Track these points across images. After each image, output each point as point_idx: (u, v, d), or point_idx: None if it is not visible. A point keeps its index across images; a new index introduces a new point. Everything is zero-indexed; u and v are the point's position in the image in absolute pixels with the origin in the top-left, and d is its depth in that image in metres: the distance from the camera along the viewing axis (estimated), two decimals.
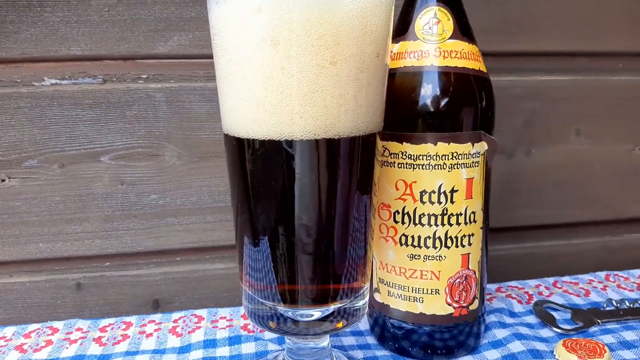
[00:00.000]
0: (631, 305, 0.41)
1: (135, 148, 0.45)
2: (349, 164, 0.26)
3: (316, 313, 0.29)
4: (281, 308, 0.29)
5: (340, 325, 0.30)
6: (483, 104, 0.33)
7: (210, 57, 0.44)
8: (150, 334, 0.39)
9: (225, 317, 0.41)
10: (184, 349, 0.36)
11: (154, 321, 0.41)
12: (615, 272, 0.49)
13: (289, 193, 0.26)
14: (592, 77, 0.51)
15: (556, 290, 0.45)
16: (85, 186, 0.45)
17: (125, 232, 0.46)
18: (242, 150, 0.27)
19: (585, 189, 0.53)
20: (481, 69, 0.33)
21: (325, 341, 0.32)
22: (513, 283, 0.47)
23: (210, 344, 0.37)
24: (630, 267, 0.51)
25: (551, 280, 0.47)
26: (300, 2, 0.23)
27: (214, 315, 0.41)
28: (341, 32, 0.24)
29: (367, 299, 0.31)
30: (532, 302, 0.43)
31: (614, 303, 0.41)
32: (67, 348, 0.37)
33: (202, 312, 0.42)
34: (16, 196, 0.44)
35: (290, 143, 0.25)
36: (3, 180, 0.43)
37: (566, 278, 0.48)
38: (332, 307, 0.29)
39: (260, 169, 0.26)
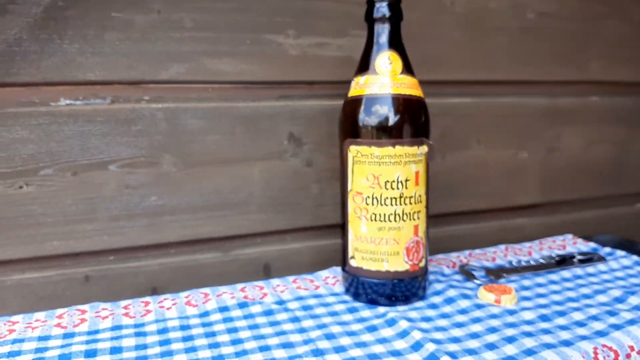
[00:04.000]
0: (526, 264, 0.57)
1: (138, 157, 0.53)
2: None
3: None
4: None
5: None
6: (423, 119, 0.46)
7: (202, 82, 0.54)
8: (169, 308, 0.47)
9: (226, 292, 0.50)
10: (204, 315, 0.46)
11: (168, 298, 0.49)
12: (512, 245, 0.65)
13: None
14: (487, 100, 0.68)
15: (471, 259, 0.60)
16: (95, 191, 0.52)
17: (129, 229, 0.54)
18: None
19: (485, 184, 0.70)
20: (421, 95, 0.47)
21: None
22: (440, 255, 0.61)
23: (224, 309, 0.46)
24: (521, 241, 0.68)
25: (467, 252, 0.62)
26: None
27: (217, 291, 0.51)
28: None
29: None
30: (457, 266, 0.57)
31: (514, 263, 0.57)
32: (102, 321, 0.45)
33: (206, 290, 0.51)
34: (33, 200, 0.50)
35: None
36: (21, 187, 0.50)
37: (477, 251, 0.63)
38: None
39: None
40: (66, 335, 0.42)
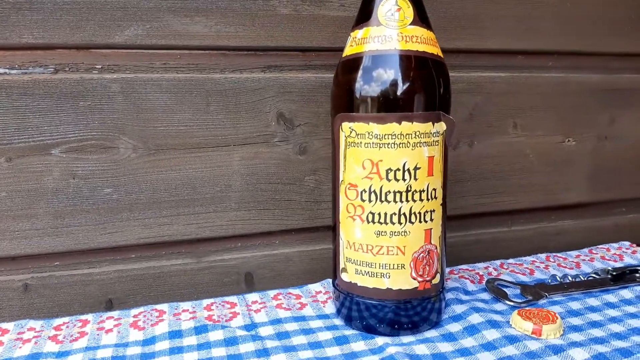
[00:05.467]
0: (573, 279, 0.44)
1: (88, 140, 0.43)
2: None
3: None
4: None
5: None
6: (441, 87, 0.35)
7: (168, 48, 0.44)
8: (110, 330, 0.37)
9: (187, 310, 0.40)
10: (148, 341, 0.35)
11: (112, 317, 0.39)
12: (555, 254, 0.52)
13: None
14: (526, 74, 0.55)
15: (503, 271, 0.48)
16: (34, 180, 0.43)
17: (77, 229, 0.44)
18: None
19: (522, 179, 0.57)
20: (438, 54, 0.35)
21: None
22: (464, 266, 0.49)
23: (175, 334, 0.36)
24: (565, 250, 0.55)
25: (498, 262, 0.50)
26: None
27: (176, 309, 0.40)
28: None
29: None
30: (484, 281, 0.45)
31: (558, 278, 0.45)
32: (20, 347, 0.35)
33: (163, 306, 0.41)
34: None
35: None
36: None
37: (511, 260, 0.51)
38: None
39: None
40: None
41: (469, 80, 0.53)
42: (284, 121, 0.48)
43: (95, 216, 0.44)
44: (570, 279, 0.44)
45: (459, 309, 0.39)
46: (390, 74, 0.33)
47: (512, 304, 0.40)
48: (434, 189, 0.35)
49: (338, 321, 0.38)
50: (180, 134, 0.45)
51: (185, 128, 0.45)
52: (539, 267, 0.49)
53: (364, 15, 0.35)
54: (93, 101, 0.43)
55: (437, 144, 0.34)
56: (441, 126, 0.34)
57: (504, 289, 0.43)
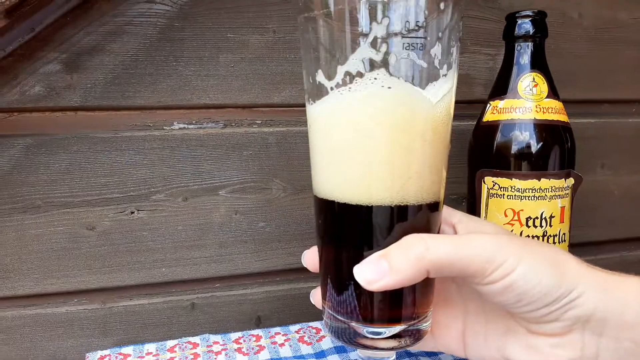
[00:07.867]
0: None
1: (248, 182, 0.51)
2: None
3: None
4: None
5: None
6: (570, 149, 0.42)
7: None
8: (282, 344, 0.45)
9: None
10: (320, 355, 0.43)
11: (279, 333, 0.47)
12: None
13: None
14: (612, 120, 0.62)
15: None
16: (204, 216, 0.51)
17: (236, 256, 0.52)
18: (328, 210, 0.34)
19: (607, 212, 0.63)
20: (567, 121, 0.42)
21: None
22: None
23: (341, 350, 0.43)
24: None
25: None
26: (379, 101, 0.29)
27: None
28: (410, 125, 0.29)
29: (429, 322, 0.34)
30: None
31: None
32: (215, 358, 0.43)
33: (316, 324, 0.48)
34: (143, 226, 0.49)
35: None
36: (132, 213, 0.49)
37: None
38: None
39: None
40: None
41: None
42: None
43: (251, 245, 0.52)
44: None
45: None
46: (531, 139, 0.40)
47: None
48: (564, 234, 0.41)
49: None
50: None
51: None
52: None
53: (503, 88, 0.42)
54: (254, 150, 0.51)
55: (567, 195, 0.41)
56: (570, 181, 0.41)
57: None
